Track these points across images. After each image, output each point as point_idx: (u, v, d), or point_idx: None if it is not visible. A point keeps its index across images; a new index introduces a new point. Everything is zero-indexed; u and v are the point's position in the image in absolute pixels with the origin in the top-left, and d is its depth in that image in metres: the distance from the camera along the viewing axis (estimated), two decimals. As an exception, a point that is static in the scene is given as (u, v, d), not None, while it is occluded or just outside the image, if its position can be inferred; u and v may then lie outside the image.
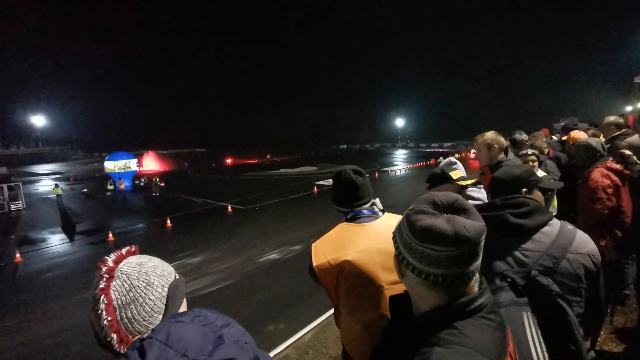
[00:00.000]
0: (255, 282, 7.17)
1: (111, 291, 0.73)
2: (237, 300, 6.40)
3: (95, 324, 0.73)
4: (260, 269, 7.92)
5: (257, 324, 5.32)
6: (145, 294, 0.76)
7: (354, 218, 1.57)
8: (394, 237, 0.78)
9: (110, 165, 23.37)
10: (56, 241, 11.81)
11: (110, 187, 23.04)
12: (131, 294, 0.74)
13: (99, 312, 0.70)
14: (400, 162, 35.21)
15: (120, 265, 0.78)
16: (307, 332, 4.79)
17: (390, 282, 1.41)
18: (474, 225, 0.67)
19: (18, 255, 9.87)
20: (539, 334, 0.98)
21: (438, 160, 32.67)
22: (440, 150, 48.83)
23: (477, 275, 0.72)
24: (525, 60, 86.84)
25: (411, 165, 30.13)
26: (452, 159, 2.31)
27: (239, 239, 10.62)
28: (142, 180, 22.04)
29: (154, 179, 21.98)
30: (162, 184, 22.85)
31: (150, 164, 39.90)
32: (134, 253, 0.84)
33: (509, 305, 1.01)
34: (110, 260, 0.78)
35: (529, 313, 1.00)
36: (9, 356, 5.30)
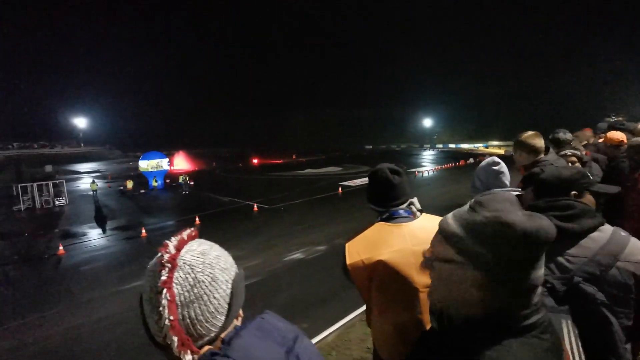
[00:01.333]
0: (279, 281, 7.25)
1: (174, 284, 0.62)
2: (261, 298, 6.48)
3: (151, 321, 0.63)
4: (285, 268, 8.00)
5: (281, 322, 5.36)
6: (210, 291, 0.65)
7: (390, 218, 1.53)
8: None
9: (144, 164, 24.48)
10: (95, 235, 12.52)
11: (155, 183, 24.12)
12: (195, 290, 0.64)
13: (160, 309, 0.60)
14: (427, 163, 34.43)
15: (182, 252, 0.67)
16: (331, 333, 4.78)
17: (426, 284, 1.38)
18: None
19: (61, 247, 10.53)
20: (579, 343, 0.92)
21: (468, 161, 31.67)
22: (472, 150, 47.29)
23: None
24: (565, 57, 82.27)
25: (439, 167, 29.34)
26: (495, 158, 2.18)
27: (264, 237, 10.78)
28: (184, 177, 22.88)
29: (183, 178, 22.74)
30: (192, 183, 23.61)
31: (181, 163, 41.35)
32: (194, 237, 0.73)
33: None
34: (171, 245, 0.66)
35: (569, 321, 0.95)
36: (53, 342, 5.66)
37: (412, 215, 1.55)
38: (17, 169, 23.74)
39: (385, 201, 1.56)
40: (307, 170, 31.81)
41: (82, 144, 78.11)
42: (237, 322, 0.73)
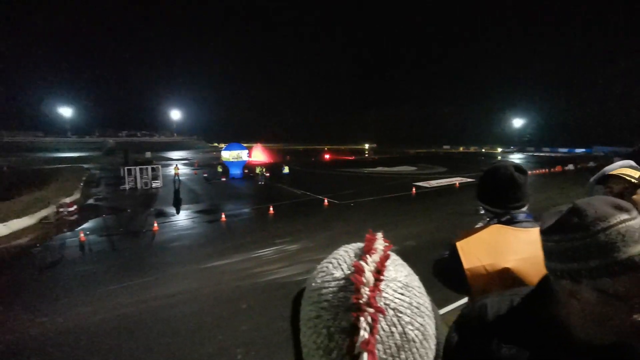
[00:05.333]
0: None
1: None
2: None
3: None
4: (354, 266, 7.81)
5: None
6: (419, 355, 0.41)
7: (511, 221, 1.34)
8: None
9: (226, 155, 26.50)
10: (182, 216, 13.86)
11: (258, 171, 24.32)
12: (402, 356, 0.39)
13: None
14: (514, 167, 31.03)
15: (382, 285, 0.42)
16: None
17: None
18: None
19: (155, 224, 11.87)
20: None
21: (567, 168, 27.75)
22: (571, 156, 41.42)
23: None
24: None
25: (529, 172, 26.24)
26: (632, 162, 1.77)
27: (333, 232, 10.76)
28: (261, 169, 23.94)
29: (261, 169, 23.95)
30: (268, 175, 24.82)
31: (258, 155, 43.83)
32: (387, 255, 0.46)
33: None
34: (367, 271, 0.41)
35: None
36: (136, 308, 6.32)
37: (533, 220, 1.36)
38: (125, 154, 27.55)
39: (506, 202, 1.39)
40: (379, 168, 31.22)
41: (175, 134, 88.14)
42: None
